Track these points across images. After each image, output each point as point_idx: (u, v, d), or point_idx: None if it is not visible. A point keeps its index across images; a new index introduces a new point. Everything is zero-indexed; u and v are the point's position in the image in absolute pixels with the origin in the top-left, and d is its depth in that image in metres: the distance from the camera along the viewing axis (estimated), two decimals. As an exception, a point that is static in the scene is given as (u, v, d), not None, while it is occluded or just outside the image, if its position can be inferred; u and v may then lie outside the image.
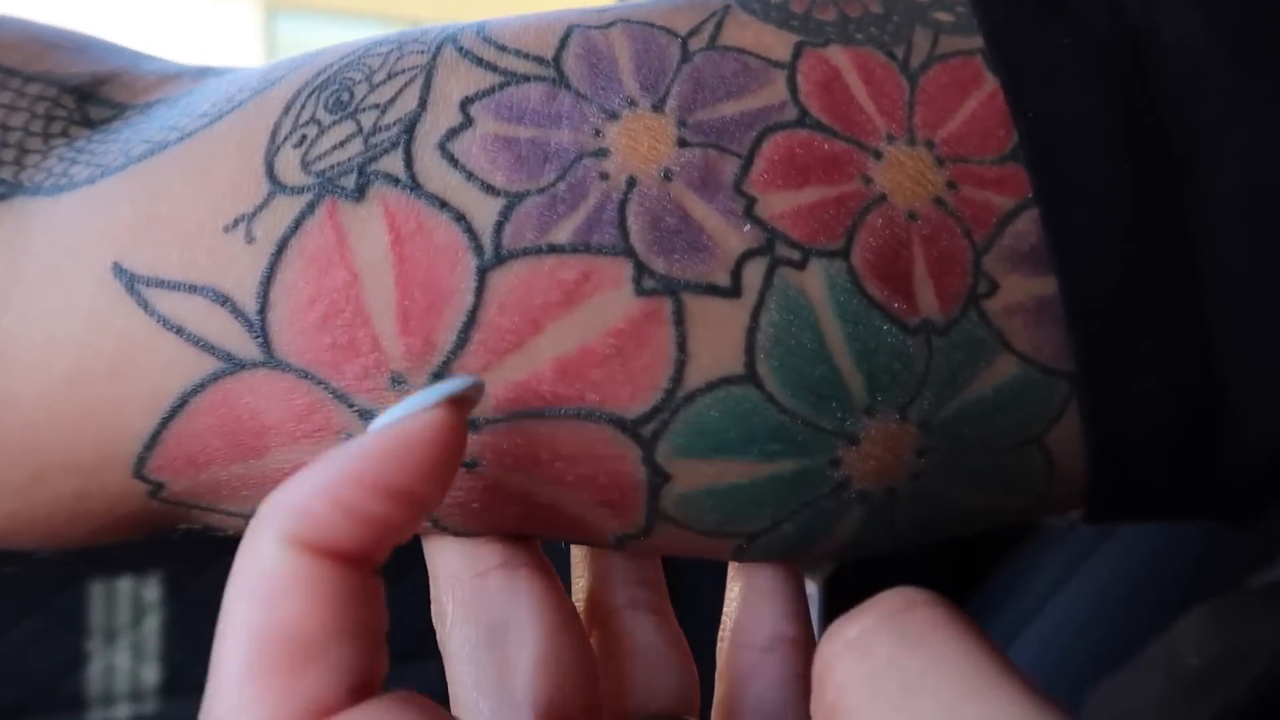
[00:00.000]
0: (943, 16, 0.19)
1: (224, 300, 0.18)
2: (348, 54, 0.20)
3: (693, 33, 0.19)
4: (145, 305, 0.18)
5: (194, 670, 0.57)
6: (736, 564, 0.23)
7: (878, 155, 0.18)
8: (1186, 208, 0.18)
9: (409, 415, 0.16)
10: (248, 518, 0.20)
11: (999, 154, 0.18)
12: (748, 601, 0.22)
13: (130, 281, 0.18)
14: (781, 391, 0.18)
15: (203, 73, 0.22)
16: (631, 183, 0.18)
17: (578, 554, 0.24)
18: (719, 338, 0.18)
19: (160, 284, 0.18)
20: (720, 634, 0.23)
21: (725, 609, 0.23)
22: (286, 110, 0.19)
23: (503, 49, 0.19)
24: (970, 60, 0.19)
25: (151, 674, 0.56)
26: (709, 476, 0.18)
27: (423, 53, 0.19)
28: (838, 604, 0.60)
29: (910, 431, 0.18)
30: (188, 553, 0.57)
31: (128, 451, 0.19)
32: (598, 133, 0.18)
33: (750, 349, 0.18)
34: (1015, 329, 0.18)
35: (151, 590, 0.56)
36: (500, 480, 0.19)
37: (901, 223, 0.18)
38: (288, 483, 0.16)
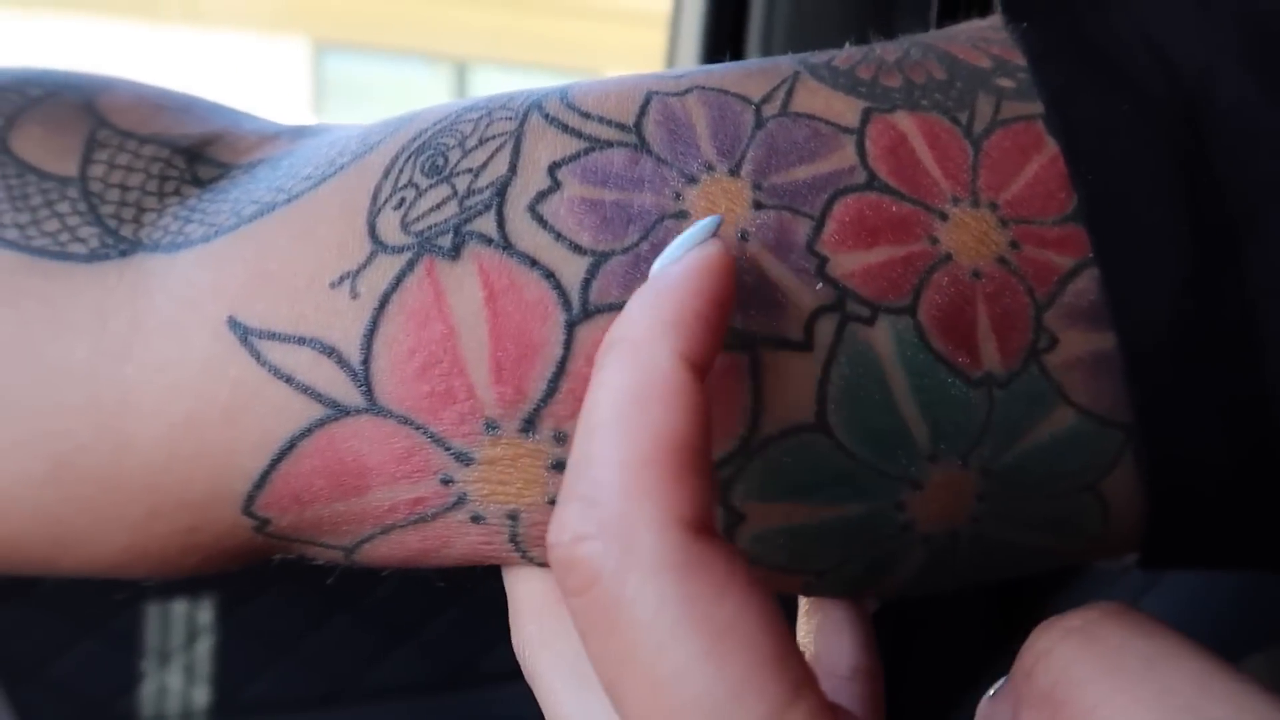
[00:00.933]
0: (1004, 83, 0.20)
1: (330, 351, 0.19)
2: (441, 118, 0.21)
3: (766, 99, 0.20)
4: (258, 356, 0.19)
5: (244, 692, 0.58)
6: (813, 602, 0.24)
7: (943, 216, 0.19)
8: (1245, 266, 0.18)
9: (699, 245, 0.17)
10: (344, 549, 0.21)
11: (1060, 215, 0.19)
12: (823, 633, 0.23)
13: (244, 334, 0.19)
14: (850, 439, 0.19)
15: (299, 132, 0.24)
16: None
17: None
18: (792, 389, 0.19)
19: (272, 336, 0.19)
20: None
21: (799, 641, 0.23)
22: (386, 174, 0.20)
23: (586, 116, 0.20)
24: (1032, 125, 0.19)
25: (202, 695, 0.57)
26: (781, 517, 0.19)
27: (511, 119, 0.20)
28: (882, 635, 0.59)
29: (971, 477, 0.19)
30: (241, 577, 0.58)
31: (239, 491, 0.20)
32: (678, 196, 0.19)
33: (821, 399, 0.19)
34: (1073, 382, 0.19)
35: (205, 613, 0.57)
36: None
37: (966, 281, 0.19)
38: (656, 300, 0.16)
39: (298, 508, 0.20)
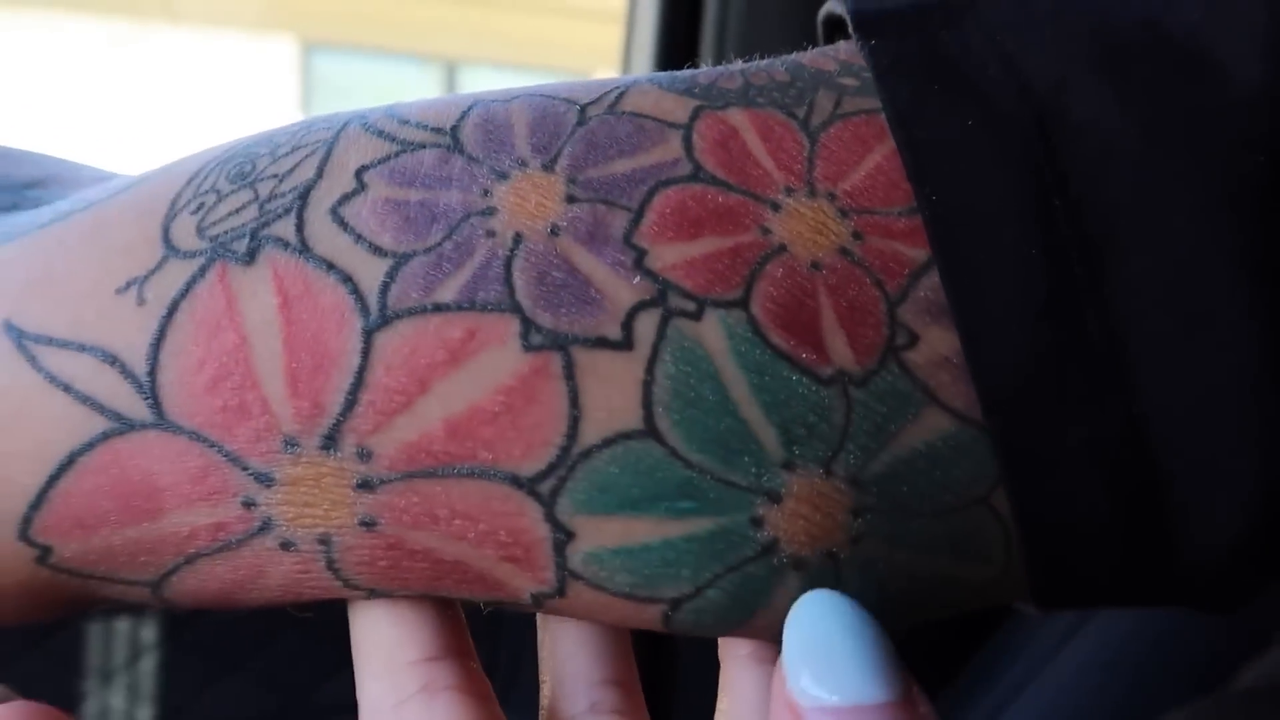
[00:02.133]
0: (848, 81, 0.19)
1: (113, 360, 0.18)
2: (266, 134, 0.20)
3: (594, 101, 0.19)
4: (33, 361, 0.18)
5: (190, 711, 0.57)
6: (730, 665, 0.22)
7: (775, 207, 0.18)
8: (1108, 290, 0.17)
9: None
10: (148, 584, 0.20)
11: (907, 205, 0.18)
12: (736, 703, 0.21)
13: (19, 338, 0.18)
14: (685, 446, 0.17)
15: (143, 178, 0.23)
16: (518, 239, 0.18)
17: (543, 653, 0.23)
18: (613, 392, 0.17)
19: (49, 341, 0.18)
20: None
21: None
22: (189, 181, 0.19)
23: (405, 122, 0.19)
24: (873, 118, 0.19)
25: (146, 715, 0.56)
26: (616, 535, 0.18)
27: (328, 129, 0.19)
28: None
29: (839, 488, 0.18)
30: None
31: (13, 510, 0.19)
32: (486, 192, 0.18)
33: (648, 403, 0.17)
34: (943, 383, 0.18)
35: (149, 630, 0.56)
36: (401, 538, 0.18)
37: (804, 272, 0.18)
38: None
39: (82, 533, 0.19)
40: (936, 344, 0.18)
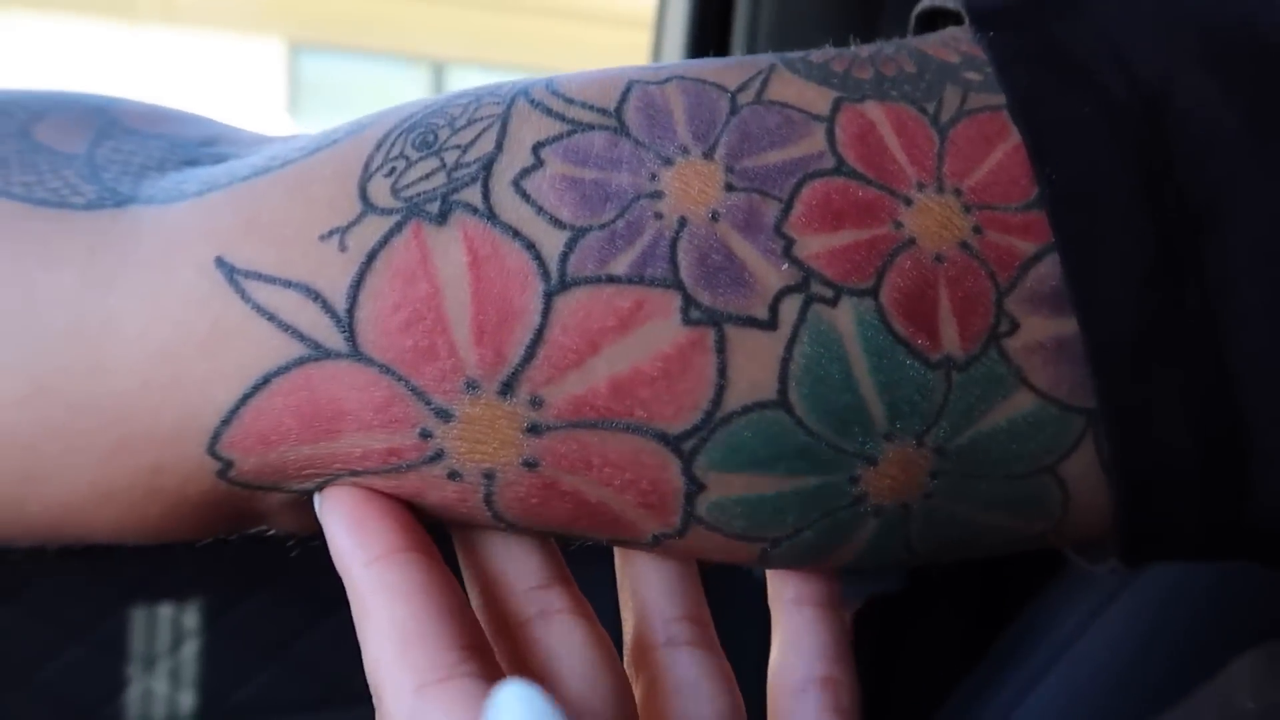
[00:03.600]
0: (972, 76, 0.21)
1: (316, 296, 0.20)
2: (430, 104, 0.22)
3: (741, 88, 0.21)
4: (243, 293, 0.20)
5: (231, 697, 0.58)
6: (778, 610, 0.25)
7: (908, 202, 0.20)
8: (1206, 259, 0.19)
9: None
10: (307, 492, 0.22)
11: (1023, 201, 0.19)
12: (785, 643, 0.24)
13: (230, 272, 0.20)
14: (809, 416, 0.20)
15: (295, 138, 0.25)
16: (683, 222, 0.19)
17: (624, 594, 0.25)
18: (756, 366, 0.19)
19: (258, 277, 0.20)
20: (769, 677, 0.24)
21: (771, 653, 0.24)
22: (378, 146, 0.21)
23: (570, 101, 0.21)
24: (996, 115, 0.20)
25: (188, 700, 0.57)
26: (740, 487, 0.20)
27: (498, 104, 0.21)
28: (865, 638, 0.60)
29: (925, 455, 0.20)
30: (227, 582, 0.58)
31: (206, 425, 0.21)
32: (654, 176, 0.20)
33: (784, 377, 0.19)
34: (1034, 366, 0.19)
35: (191, 617, 0.57)
36: (556, 479, 0.21)
37: (929, 264, 0.19)
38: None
39: (263, 448, 0.21)
40: (1034, 330, 0.19)
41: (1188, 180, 0.19)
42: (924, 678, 0.59)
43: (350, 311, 0.20)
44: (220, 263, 0.20)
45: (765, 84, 0.21)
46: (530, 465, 0.20)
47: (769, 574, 0.25)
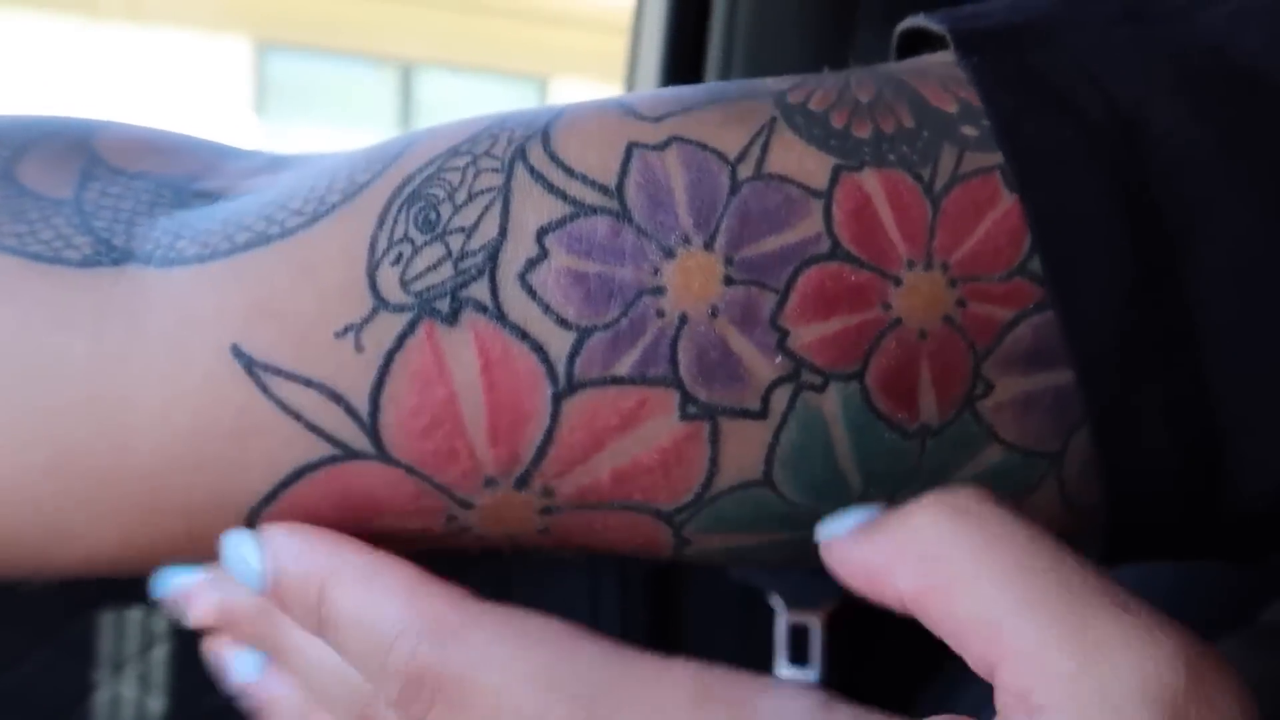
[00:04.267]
0: (968, 131, 0.21)
1: (338, 398, 0.20)
2: (428, 162, 0.22)
3: (741, 157, 0.21)
4: (264, 388, 0.20)
5: (201, 702, 0.57)
6: None
7: (898, 282, 0.20)
8: (1183, 277, 0.20)
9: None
10: None
11: (1007, 270, 0.20)
12: None
13: (249, 363, 0.20)
14: (791, 491, 0.21)
15: (281, 163, 0.25)
16: (683, 319, 0.20)
17: None
18: (745, 452, 0.21)
19: (278, 372, 0.20)
20: None
21: None
22: (380, 223, 0.21)
23: (570, 174, 0.21)
24: (989, 179, 0.20)
25: (158, 705, 0.57)
26: (722, 541, 0.22)
27: (497, 170, 0.21)
28: (839, 641, 0.60)
29: None
30: (197, 583, 0.57)
31: (243, 504, 0.21)
32: (656, 271, 0.20)
33: (769, 460, 0.21)
34: (1004, 422, 0.21)
35: (161, 620, 0.56)
36: (567, 537, 0.22)
37: (912, 342, 0.20)
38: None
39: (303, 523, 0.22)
40: (1007, 390, 0.20)
41: (1164, 200, 0.20)
42: (899, 676, 0.59)
43: (373, 415, 0.20)
44: (237, 351, 0.21)
45: (766, 150, 0.21)
46: (544, 532, 0.22)
47: None
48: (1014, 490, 0.21)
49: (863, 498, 0.21)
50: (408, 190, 0.21)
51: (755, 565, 0.24)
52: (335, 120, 4.77)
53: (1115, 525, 0.21)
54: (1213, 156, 0.20)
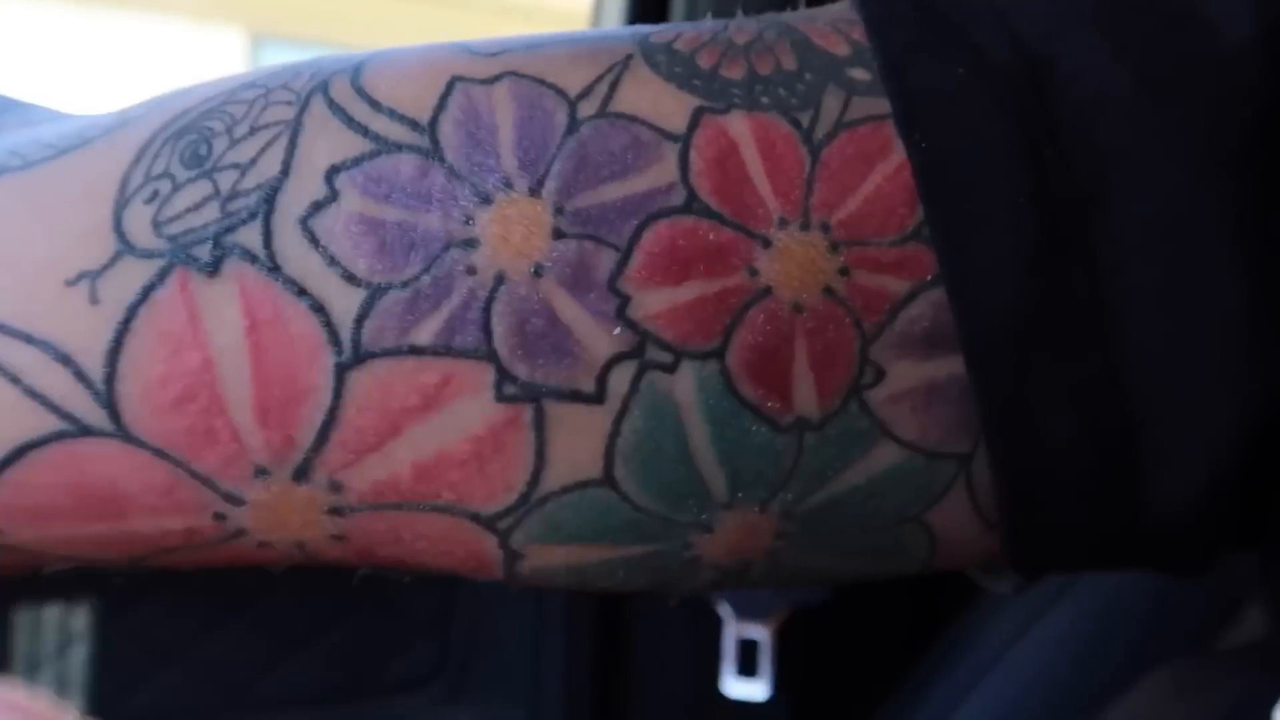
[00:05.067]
0: (858, 75, 0.18)
1: (65, 359, 0.17)
2: (212, 96, 0.19)
3: (585, 93, 0.18)
4: None
5: (123, 705, 0.55)
6: None
7: (767, 243, 0.17)
8: (1094, 239, 0.17)
9: None
10: (121, 562, 0.19)
11: (900, 234, 0.17)
12: None
13: None
14: (638, 493, 0.18)
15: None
16: (500, 279, 0.17)
17: None
18: (579, 444, 0.17)
19: None
20: None
21: None
22: (138, 158, 0.18)
23: (376, 107, 0.18)
24: (880, 127, 0.18)
25: (75, 705, 0.54)
26: (562, 557, 0.18)
27: (291, 103, 0.18)
28: (790, 653, 0.58)
29: (770, 520, 0.18)
30: (122, 581, 0.55)
31: None
32: (468, 220, 0.17)
33: (609, 454, 0.17)
34: (899, 415, 0.18)
35: (80, 619, 0.54)
36: (371, 549, 0.19)
37: (785, 316, 0.17)
38: None
39: (39, 524, 0.18)
40: (902, 378, 0.17)
41: (1073, 149, 0.17)
42: (849, 690, 0.58)
43: (109, 382, 0.17)
44: None
45: (615, 87, 0.18)
46: (339, 538, 0.18)
47: None
48: (913, 500, 0.18)
49: (728, 505, 0.18)
50: (181, 123, 0.18)
51: (613, 591, 0.20)
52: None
53: (1016, 529, 0.18)
54: (1132, 99, 0.17)
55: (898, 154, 0.17)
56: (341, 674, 0.59)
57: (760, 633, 0.54)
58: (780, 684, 0.55)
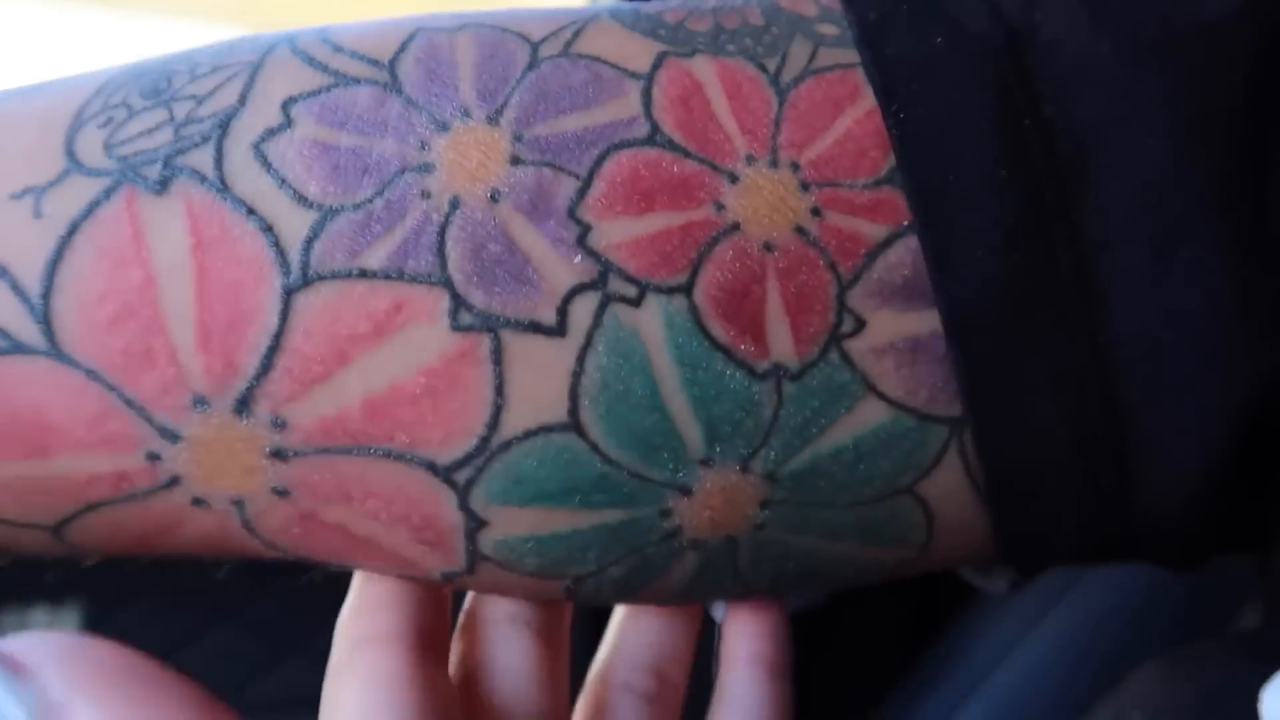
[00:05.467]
0: (826, 30, 0.18)
1: (2, 272, 0.16)
2: (182, 52, 0.18)
3: (547, 39, 0.17)
4: None
5: (111, 709, 0.54)
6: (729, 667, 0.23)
7: (733, 178, 0.17)
8: (1077, 213, 0.16)
9: None
10: (44, 528, 0.18)
11: (873, 177, 0.17)
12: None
13: None
14: (607, 441, 0.17)
15: None
16: (455, 204, 0.16)
17: (611, 623, 0.24)
18: (541, 382, 0.17)
19: None
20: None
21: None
22: (97, 92, 0.17)
23: (339, 49, 0.17)
24: (849, 74, 0.17)
25: (65, 712, 0.53)
26: (528, 524, 0.17)
27: (255, 50, 0.18)
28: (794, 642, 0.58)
29: (753, 483, 0.17)
30: (110, 583, 0.55)
31: None
32: (424, 145, 0.17)
33: (574, 395, 0.17)
34: (884, 371, 0.17)
35: (68, 622, 0.53)
36: (315, 510, 0.18)
37: (755, 254, 0.17)
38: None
39: None
40: (884, 329, 0.17)
41: (1054, 120, 0.17)
42: (848, 695, 0.57)
43: (45, 296, 0.16)
44: None
45: (578, 35, 0.17)
46: (281, 493, 0.17)
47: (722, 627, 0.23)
48: (905, 466, 0.17)
49: (705, 461, 0.17)
50: (144, 66, 0.18)
51: (588, 590, 0.19)
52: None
53: (1003, 515, 0.18)
54: (1114, 70, 0.17)
55: (867, 100, 0.17)
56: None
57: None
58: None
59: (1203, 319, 0.17)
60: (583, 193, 0.16)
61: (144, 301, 0.16)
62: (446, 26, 0.18)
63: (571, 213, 0.16)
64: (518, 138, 0.17)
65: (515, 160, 0.16)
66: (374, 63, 0.17)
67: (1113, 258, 0.16)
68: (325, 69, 0.17)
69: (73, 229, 0.16)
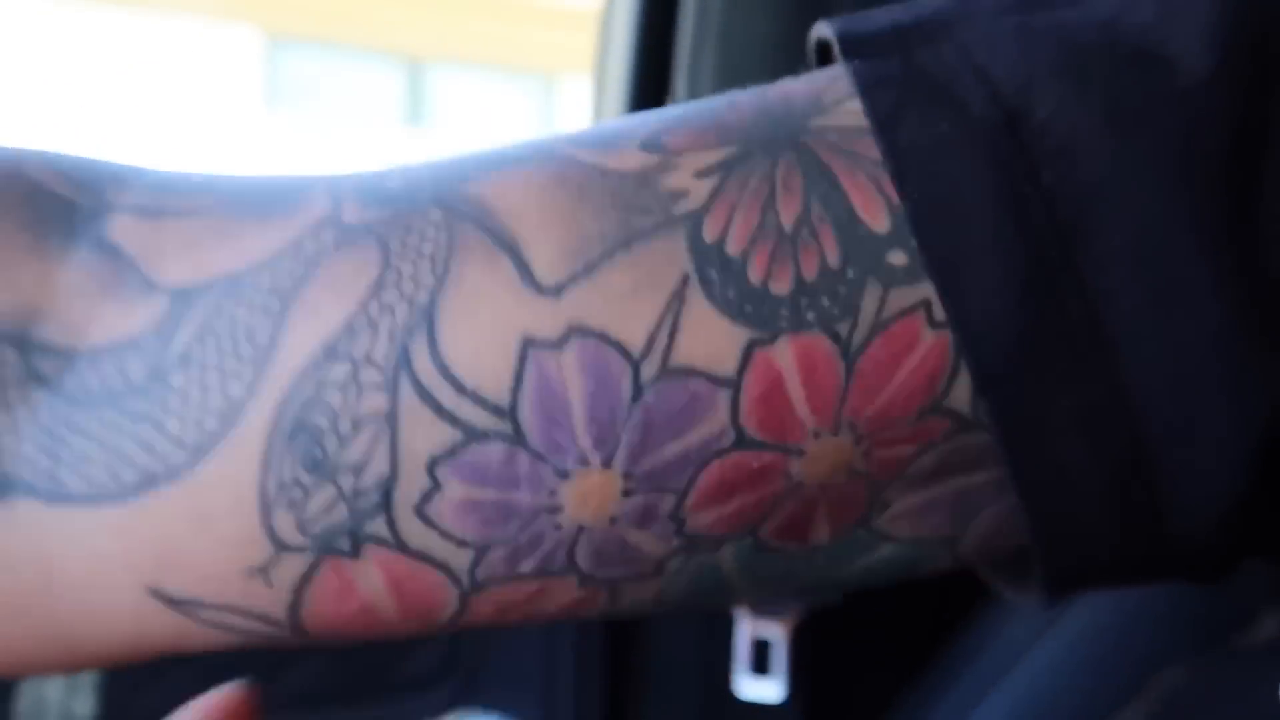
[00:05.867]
0: (896, 260, 0.20)
1: (263, 618, 0.21)
2: (301, 376, 0.21)
3: (646, 351, 0.20)
4: (192, 615, 0.21)
5: (132, 704, 0.55)
6: None
7: (801, 453, 0.20)
8: (1083, 269, 0.19)
9: None
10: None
11: (919, 412, 0.19)
12: None
13: (170, 600, 0.21)
14: (674, 604, 0.22)
15: (116, 280, 0.22)
16: (581, 528, 0.20)
17: None
18: (640, 597, 0.22)
19: (200, 605, 0.21)
20: None
21: None
22: (265, 467, 0.21)
23: (461, 391, 0.20)
24: (912, 320, 0.19)
25: (85, 707, 0.55)
26: None
27: (380, 388, 0.21)
28: (804, 653, 0.58)
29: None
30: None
31: None
32: (553, 493, 0.20)
33: (660, 598, 0.22)
34: (899, 528, 0.21)
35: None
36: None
37: (811, 495, 0.20)
38: None
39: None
40: (905, 503, 0.20)
41: (1053, 188, 0.19)
42: (865, 691, 0.57)
43: (294, 623, 0.21)
44: (157, 593, 0.21)
45: (673, 337, 0.20)
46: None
47: None
48: (908, 571, 0.22)
49: (743, 594, 0.22)
50: (288, 421, 0.21)
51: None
52: (344, 113, 4.78)
53: (1047, 555, 0.20)
54: (1099, 137, 0.19)
55: (925, 342, 0.19)
56: (349, 674, 0.59)
57: (775, 632, 0.54)
58: (794, 685, 0.54)
59: (1211, 350, 0.19)
60: (681, 501, 0.20)
61: (367, 622, 0.21)
62: (550, 335, 0.20)
63: (672, 516, 0.20)
64: (628, 474, 0.20)
65: (627, 493, 0.20)
66: (496, 410, 0.20)
67: (1118, 305, 0.19)
68: (454, 419, 0.20)
69: (298, 590, 0.21)
